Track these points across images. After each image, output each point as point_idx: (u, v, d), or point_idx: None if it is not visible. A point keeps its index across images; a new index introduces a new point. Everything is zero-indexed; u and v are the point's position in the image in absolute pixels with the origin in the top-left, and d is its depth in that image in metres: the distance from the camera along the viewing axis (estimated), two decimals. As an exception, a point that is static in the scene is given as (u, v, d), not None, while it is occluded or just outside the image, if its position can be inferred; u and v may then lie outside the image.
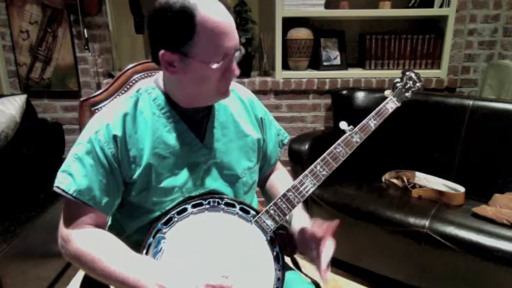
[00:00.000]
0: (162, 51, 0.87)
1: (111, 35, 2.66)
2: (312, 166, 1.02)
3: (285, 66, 2.60)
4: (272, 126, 1.21)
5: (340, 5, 2.52)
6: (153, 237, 0.95)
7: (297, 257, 1.25)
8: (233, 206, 1.01)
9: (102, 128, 0.93)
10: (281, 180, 1.22)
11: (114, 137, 0.93)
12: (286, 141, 1.25)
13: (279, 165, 1.28)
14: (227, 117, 1.05)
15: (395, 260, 1.91)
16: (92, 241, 0.92)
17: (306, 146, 2.17)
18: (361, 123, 1.06)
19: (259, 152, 1.13)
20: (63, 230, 0.94)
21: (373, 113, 1.08)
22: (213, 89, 0.93)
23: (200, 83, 0.91)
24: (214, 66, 0.87)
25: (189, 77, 0.90)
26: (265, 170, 1.22)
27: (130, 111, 0.96)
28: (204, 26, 0.84)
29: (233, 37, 0.88)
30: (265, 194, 1.25)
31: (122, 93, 1.26)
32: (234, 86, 1.13)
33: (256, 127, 1.12)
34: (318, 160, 1.02)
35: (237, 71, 0.93)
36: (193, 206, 0.98)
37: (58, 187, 0.92)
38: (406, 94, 1.14)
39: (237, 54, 0.92)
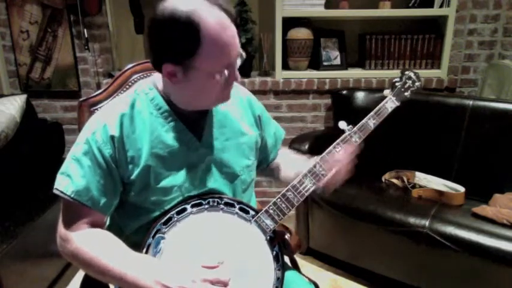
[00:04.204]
0: (165, 64, 0.88)
1: (111, 35, 2.66)
2: (312, 166, 1.02)
3: (285, 66, 2.60)
4: (270, 123, 1.22)
5: (340, 5, 2.52)
6: (153, 237, 0.95)
7: (296, 257, 1.25)
8: (232, 205, 1.00)
9: (99, 129, 0.93)
10: (286, 159, 1.23)
11: (112, 137, 0.93)
12: (283, 137, 1.27)
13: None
14: (224, 115, 1.05)
15: (396, 260, 1.91)
16: (91, 239, 0.92)
17: (306, 146, 2.17)
18: (360, 123, 1.06)
19: (257, 150, 1.13)
20: (61, 230, 0.94)
21: (372, 113, 1.07)
22: (214, 96, 0.94)
23: (201, 92, 0.92)
24: (218, 77, 0.88)
25: (191, 86, 0.91)
26: (263, 165, 1.24)
27: (128, 111, 0.96)
28: (208, 38, 0.84)
29: (236, 47, 0.89)
30: (277, 177, 1.24)
31: (122, 94, 1.25)
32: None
33: (254, 125, 1.12)
34: (318, 160, 1.02)
35: (239, 78, 0.94)
36: (193, 206, 0.98)
37: (57, 189, 0.93)
38: (406, 94, 1.14)
39: (239, 60, 0.92)
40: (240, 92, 1.13)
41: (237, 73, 0.93)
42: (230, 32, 0.86)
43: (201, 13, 0.83)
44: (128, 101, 0.97)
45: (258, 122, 1.14)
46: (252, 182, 1.12)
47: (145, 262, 0.90)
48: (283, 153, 1.27)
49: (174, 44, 0.85)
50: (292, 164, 1.17)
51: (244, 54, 0.93)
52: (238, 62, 0.93)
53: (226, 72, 0.89)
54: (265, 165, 1.25)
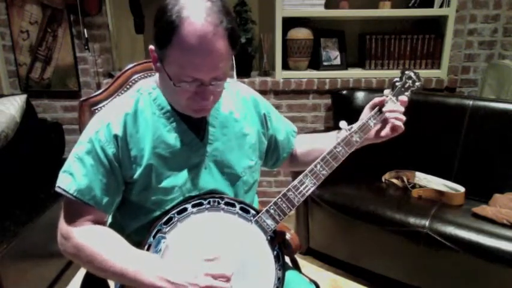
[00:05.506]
0: (150, 46, 0.90)
1: (111, 35, 2.66)
2: (312, 165, 1.02)
3: (285, 66, 2.60)
4: (280, 120, 1.20)
5: (340, 5, 2.52)
6: (153, 237, 0.95)
7: (296, 257, 1.25)
8: (233, 205, 1.00)
9: (103, 128, 0.93)
10: (310, 140, 1.23)
11: (115, 136, 0.93)
12: (295, 132, 1.25)
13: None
14: (227, 116, 1.05)
15: (396, 260, 1.91)
16: (92, 235, 0.93)
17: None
18: (361, 123, 1.06)
19: (261, 151, 1.12)
20: (63, 227, 0.94)
21: (372, 113, 1.08)
22: (183, 103, 0.92)
23: (172, 92, 0.91)
24: (184, 86, 0.87)
25: (165, 81, 0.90)
26: (281, 160, 1.22)
27: (131, 110, 0.96)
28: (178, 45, 0.82)
29: (206, 71, 0.85)
30: (305, 163, 1.20)
31: (122, 93, 1.26)
32: (237, 85, 1.13)
33: (259, 125, 1.11)
34: (318, 159, 1.02)
35: (208, 101, 0.89)
36: (194, 206, 0.98)
37: (59, 187, 0.93)
38: (406, 93, 1.13)
39: (217, 83, 0.88)
40: (243, 91, 1.12)
41: (208, 95, 0.88)
42: (205, 53, 0.82)
43: (187, 19, 0.81)
44: (132, 100, 0.97)
45: (264, 121, 1.13)
46: (255, 183, 1.12)
47: (147, 258, 0.91)
48: (303, 138, 1.25)
49: (156, 30, 0.86)
50: (322, 140, 1.16)
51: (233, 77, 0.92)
52: (218, 85, 0.88)
53: (194, 85, 0.86)
54: (280, 163, 1.23)
